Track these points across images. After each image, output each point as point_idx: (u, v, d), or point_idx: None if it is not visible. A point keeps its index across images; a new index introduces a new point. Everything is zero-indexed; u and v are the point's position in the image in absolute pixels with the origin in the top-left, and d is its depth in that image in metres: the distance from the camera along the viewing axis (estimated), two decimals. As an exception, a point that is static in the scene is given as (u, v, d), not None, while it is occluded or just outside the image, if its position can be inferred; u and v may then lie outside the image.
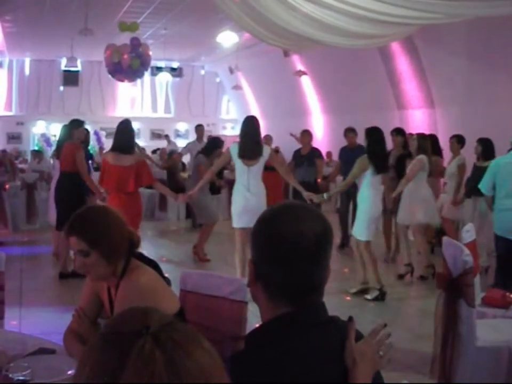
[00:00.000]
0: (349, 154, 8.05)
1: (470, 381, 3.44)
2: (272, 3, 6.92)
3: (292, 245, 1.36)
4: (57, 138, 8.24)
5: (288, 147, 9.30)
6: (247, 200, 5.79)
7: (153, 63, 15.02)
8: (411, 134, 8.07)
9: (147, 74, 14.96)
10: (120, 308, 2.09)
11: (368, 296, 6.06)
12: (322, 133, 16.33)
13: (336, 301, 5.87)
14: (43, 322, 5.04)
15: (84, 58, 18.66)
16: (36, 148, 16.81)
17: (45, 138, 19.48)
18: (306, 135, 8.41)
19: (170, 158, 11.99)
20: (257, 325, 1.44)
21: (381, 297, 6.03)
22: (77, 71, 19.38)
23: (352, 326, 1.43)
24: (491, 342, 3.51)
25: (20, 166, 14.06)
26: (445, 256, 3.65)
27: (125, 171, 5.80)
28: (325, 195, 6.13)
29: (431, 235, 8.00)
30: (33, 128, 19.83)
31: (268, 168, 8.84)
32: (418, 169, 6.63)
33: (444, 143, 8.39)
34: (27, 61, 19.48)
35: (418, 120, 11.94)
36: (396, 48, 11.96)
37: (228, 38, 13.22)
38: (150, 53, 12.41)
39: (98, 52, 13.75)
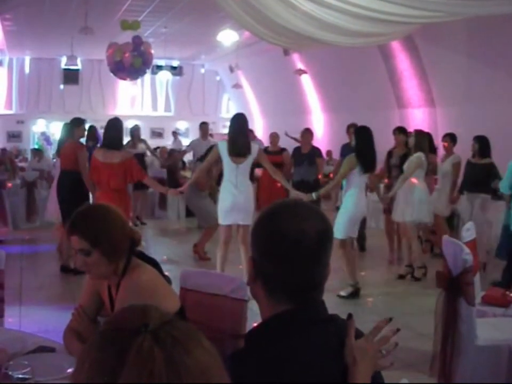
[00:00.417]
0: (350, 151, 8.04)
1: (470, 380, 3.44)
2: (272, 1, 6.91)
3: (293, 243, 1.36)
4: (57, 137, 8.27)
5: (288, 146, 9.29)
6: (234, 197, 5.78)
7: (154, 61, 15.02)
8: (411, 133, 8.07)
9: (147, 73, 14.96)
10: (121, 307, 2.08)
11: (343, 293, 6.05)
12: (322, 132, 16.33)
13: (335, 299, 5.89)
14: (43, 320, 5.04)
15: (84, 57, 18.67)
16: (36, 147, 16.81)
17: (45, 137, 19.49)
18: (308, 133, 8.35)
19: (170, 156, 11.99)
20: (254, 324, 1.44)
21: (355, 293, 6.08)
22: (77, 70, 19.39)
23: (352, 324, 1.42)
24: (491, 341, 3.51)
25: (20, 164, 14.06)
26: (445, 254, 3.65)
27: (113, 168, 5.96)
28: (314, 194, 6.08)
29: (427, 234, 8.01)
30: (33, 127, 19.84)
31: (273, 165, 8.86)
32: (416, 167, 6.59)
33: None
34: (27, 59, 19.49)
35: (418, 119, 11.94)
36: (396, 46, 11.95)
37: (228, 37, 13.23)
38: (152, 51, 12.41)
39: (98, 50, 13.75)
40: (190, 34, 14.71)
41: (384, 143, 8.42)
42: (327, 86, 15.59)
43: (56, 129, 16.80)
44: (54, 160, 11.20)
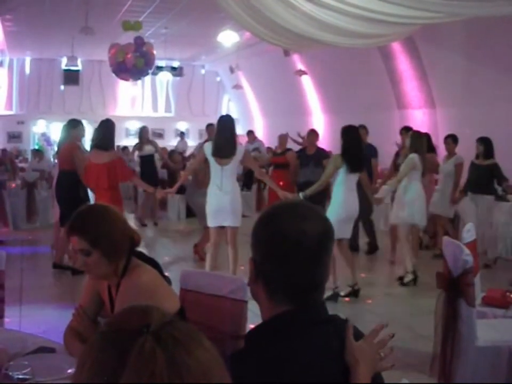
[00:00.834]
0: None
1: (470, 381, 3.44)
2: (272, 2, 6.91)
3: (294, 244, 1.36)
4: (58, 137, 8.33)
5: (292, 146, 9.31)
6: (220, 199, 5.76)
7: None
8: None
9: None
10: (121, 307, 2.07)
11: (341, 292, 6.00)
12: (323, 133, 16.29)
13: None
14: (43, 320, 5.03)
15: (84, 57, 18.68)
16: (36, 147, 16.81)
17: (45, 138, 19.48)
18: (313, 135, 8.26)
19: (170, 157, 11.99)
20: (251, 326, 1.43)
21: (355, 294, 6.04)
22: (78, 70, 19.41)
23: (349, 326, 1.43)
24: (491, 342, 3.51)
25: (20, 165, 14.07)
26: (445, 255, 3.65)
27: (101, 168, 6.18)
28: (301, 194, 6.04)
29: (416, 236, 7.97)
30: (33, 127, 19.85)
31: (278, 166, 8.86)
32: (410, 168, 6.51)
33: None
34: (27, 60, 19.49)
35: (418, 120, 11.94)
36: (396, 48, 11.96)
37: (228, 37, 13.22)
38: (154, 52, 12.41)
39: (99, 50, 13.77)
40: (190, 35, 14.71)
41: (384, 143, 8.45)
42: (327, 86, 15.60)
43: (56, 130, 16.78)
44: (55, 161, 11.20)
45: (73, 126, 7.14)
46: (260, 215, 1.47)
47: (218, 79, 21.93)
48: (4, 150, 13.31)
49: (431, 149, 7.76)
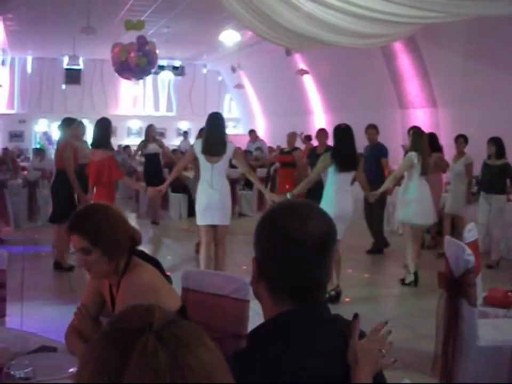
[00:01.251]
0: (369, 152, 8.02)
1: (471, 381, 3.44)
2: (274, 2, 6.91)
3: (297, 244, 1.36)
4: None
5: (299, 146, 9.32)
6: (210, 197, 5.74)
7: (156, 61, 15.04)
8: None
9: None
10: (122, 306, 2.08)
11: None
12: (324, 132, 16.31)
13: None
14: (45, 319, 5.04)
15: (86, 57, 18.68)
16: (38, 146, 16.83)
17: (47, 137, 19.49)
18: (323, 134, 8.14)
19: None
20: (250, 326, 1.43)
21: (335, 297, 5.84)
22: (79, 69, 19.41)
23: (357, 324, 1.42)
24: (493, 342, 3.50)
25: (22, 164, 14.06)
26: (447, 255, 3.64)
27: (96, 165, 6.35)
28: (288, 194, 6.01)
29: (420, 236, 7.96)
30: (35, 127, 19.86)
31: (285, 165, 8.84)
32: (407, 166, 6.45)
33: (446, 142, 8.40)
34: (29, 59, 19.50)
35: (420, 120, 11.92)
36: (398, 47, 11.94)
37: (230, 37, 13.22)
38: (157, 51, 12.40)
39: (100, 50, 13.77)
40: (192, 34, 14.71)
41: (385, 143, 8.43)
42: (329, 86, 15.59)
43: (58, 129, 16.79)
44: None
45: (67, 124, 7.23)
46: (262, 214, 1.46)
47: (220, 78, 21.92)
48: (6, 149, 13.32)
49: (438, 148, 7.76)
